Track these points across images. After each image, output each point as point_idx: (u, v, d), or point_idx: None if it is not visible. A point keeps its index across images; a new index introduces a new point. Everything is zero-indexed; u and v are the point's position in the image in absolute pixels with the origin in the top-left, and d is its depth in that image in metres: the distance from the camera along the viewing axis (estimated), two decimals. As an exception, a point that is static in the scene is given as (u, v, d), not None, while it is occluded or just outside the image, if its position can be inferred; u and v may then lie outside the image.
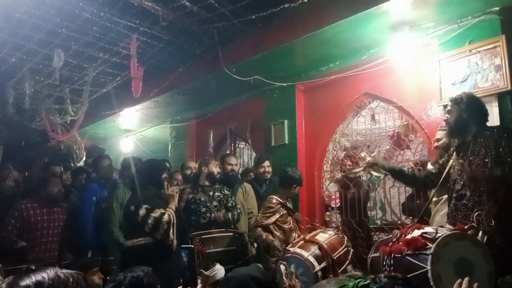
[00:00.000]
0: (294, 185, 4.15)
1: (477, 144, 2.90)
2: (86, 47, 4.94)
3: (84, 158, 7.19)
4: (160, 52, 5.21)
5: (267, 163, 4.82)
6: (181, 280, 1.52)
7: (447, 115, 3.13)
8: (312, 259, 3.14)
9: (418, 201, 4.12)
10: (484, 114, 3.02)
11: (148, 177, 3.84)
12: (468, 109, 2.99)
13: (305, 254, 3.20)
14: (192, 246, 1.57)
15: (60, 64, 4.71)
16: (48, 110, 6.26)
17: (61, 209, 4.40)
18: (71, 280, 1.19)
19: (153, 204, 3.64)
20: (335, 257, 3.25)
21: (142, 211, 3.59)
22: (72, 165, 6.41)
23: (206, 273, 1.51)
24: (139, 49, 4.95)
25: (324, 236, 3.47)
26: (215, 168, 4.32)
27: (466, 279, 1.29)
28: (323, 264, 3.21)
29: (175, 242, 3.64)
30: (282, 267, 2.68)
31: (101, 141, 8.38)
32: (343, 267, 3.30)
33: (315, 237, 3.45)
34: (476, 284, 1.24)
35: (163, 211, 3.61)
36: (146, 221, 3.56)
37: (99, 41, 4.81)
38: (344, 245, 3.46)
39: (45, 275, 1.16)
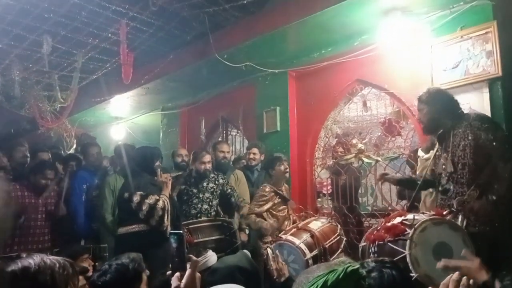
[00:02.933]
0: (275, 164, 4.11)
1: (456, 136, 2.92)
2: (75, 32, 4.87)
3: (74, 146, 7.14)
4: (150, 38, 5.15)
5: (254, 150, 4.84)
6: (170, 265, 1.51)
7: (419, 113, 3.15)
8: (303, 247, 3.17)
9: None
10: (455, 105, 3.03)
11: (142, 164, 3.84)
12: (436, 106, 3.01)
13: (296, 241, 3.23)
14: (181, 232, 1.56)
15: (49, 50, 4.63)
16: (37, 97, 6.18)
17: (53, 194, 4.32)
18: (57, 265, 1.20)
19: (147, 190, 3.64)
20: (327, 245, 3.28)
21: (136, 198, 3.59)
22: (62, 152, 6.33)
23: (195, 258, 1.50)
24: (129, 35, 4.88)
25: (317, 224, 3.50)
26: (202, 166, 4.27)
27: (455, 275, 1.26)
28: (314, 252, 3.24)
29: (169, 228, 3.64)
30: (269, 251, 2.71)
31: (91, 129, 8.32)
32: (335, 255, 3.33)
33: (308, 225, 3.48)
34: (464, 281, 1.23)
35: (158, 197, 3.62)
36: (140, 207, 3.56)
37: (88, 26, 4.74)
38: (337, 233, 3.49)
39: (31, 261, 1.17)
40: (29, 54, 5.21)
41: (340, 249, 3.42)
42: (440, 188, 3.00)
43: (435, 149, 3.19)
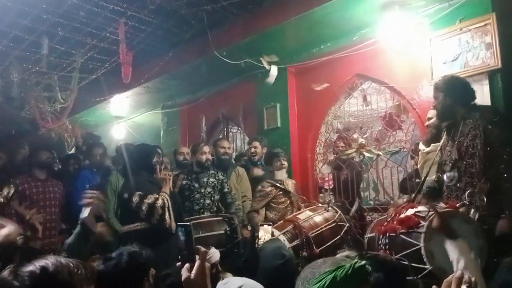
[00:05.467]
0: (273, 160, 4.25)
1: (466, 125, 2.92)
2: (73, 32, 4.86)
3: (75, 146, 7.16)
4: (149, 36, 5.15)
5: (255, 143, 4.86)
6: (179, 257, 1.52)
7: (435, 100, 3.15)
8: (282, 238, 3.22)
9: (417, 180, 4.17)
10: (470, 95, 3.04)
11: (139, 162, 3.85)
12: (451, 93, 3.02)
13: (276, 233, 3.29)
14: (189, 224, 1.57)
15: (46, 51, 4.63)
16: (37, 98, 6.19)
17: (55, 183, 4.44)
18: (71, 265, 1.22)
19: (146, 190, 3.65)
20: (312, 235, 3.29)
21: (135, 198, 3.61)
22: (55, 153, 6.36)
23: (203, 249, 1.52)
24: (128, 34, 4.89)
25: (308, 214, 3.52)
26: (203, 156, 4.30)
27: (458, 273, 1.28)
28: (295, 242, 3.29)
29: (173, 224, 3.64)
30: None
31: (92, 129, 8.33)
32: (329, 243, 3.35)
33: (297, 216, 3.51)
34: (466, 278, 1.25)
35: (157, 196, 3.63)
36: (140, 207, 3.58)
37: (86, 26, 4.74)
38: (332, 220, 3.48)
39: (47, 261, 1.19)
40: (28, 55, 5.21)
41: (339, 236, 3.41)
42: (445, 176, 3.00)
43: (442, 141, 3.19)
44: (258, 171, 4.61)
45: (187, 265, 1.46)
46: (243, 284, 1.69)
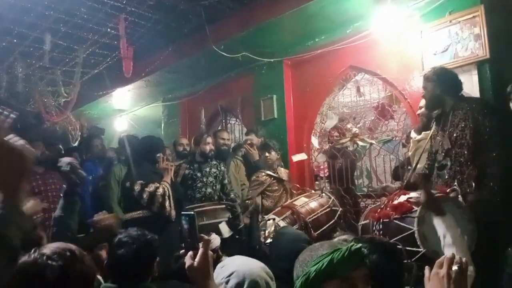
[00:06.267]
0: (265, 151, 4.44)
1: (456, 116, 3.02)
2: (75, 28, 4.99)
3: (79, 139, 7.31)
4: (149, 31, 5.26)
5: (251, 135, 5.05)
6: (183, 245, 1.56)
7: (424, 91, 3.26)
8: (282, 223, 3.33)
9: (409, 167, 4.29)
10: (458, 85, 3.14)
11: (144, 153, 3.91)
12: (440, 84, 3.11)
13: (275, 218, 3.40)
14: (193, 213, 1.61)
15: (50, 46, 4.76)
16: (41, 93, 6.33)
17: (54, 175, 4.30)
18: (76, 252, 1.26)
19: (147, 179, 3.74)
20: (309, 219, 3.41)
21: (137, 187, 3.69)
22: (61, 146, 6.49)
23: (207, 237, 1.59)
24: (128, 29, 5.00)
25: (303, 200, 3.65)
26: (207, 146, 4.44)
27: (449, 254, 1.30)
28: (294, 227, 3.38)
29: (173, 212, 3.74)
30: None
31: (95, 122, 8.47)
32: (325, 227, 3.49)
33: (293, 202, 3.63)
34: (457, 259, 1.27)
35: (158, 185, 3.70)
36: (141, 196, 3.67)
37: (88, 22, 4.86)
38: (326, 206, 3.60)
39: (69, 246, 1.24)
40: (32, 51, 5.35)
41: (333, 220, 3.53)
42: (436, 164, 3.12)
43: (431, 131, 3.31)
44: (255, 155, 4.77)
45: (190, 252, 1.48)
46: (234, 271, 1.69)
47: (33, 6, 4.38)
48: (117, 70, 5.69)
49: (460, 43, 3.87)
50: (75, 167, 2.15)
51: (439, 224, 1.93)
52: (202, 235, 1.57)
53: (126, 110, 8.11)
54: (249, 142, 4.92)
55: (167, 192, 3.74)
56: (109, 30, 5.06)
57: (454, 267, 1.23)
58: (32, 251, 1.19)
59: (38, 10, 4.46)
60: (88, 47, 5.41)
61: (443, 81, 3.13)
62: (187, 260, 1.48)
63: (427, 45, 4.05)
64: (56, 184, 4.26)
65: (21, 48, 5.26)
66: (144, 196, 3.66)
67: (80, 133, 7.50)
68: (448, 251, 1.85)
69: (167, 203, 3.71)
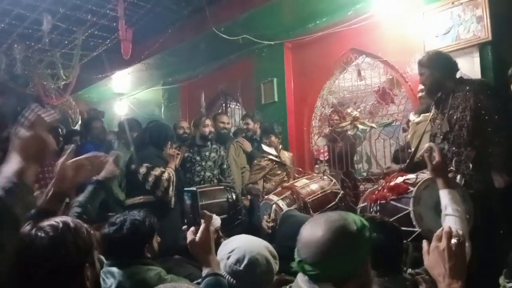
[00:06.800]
0: (264, 136, 4.43)
1: (456, 98, 3.01)
2: (74, 10, 4.95)
3: (79, 122, 7.32)
4: (148, 13, 5.22)
5: (247, 120, 5.04)
6: (185, 221, 1.58)
7: (421, 77, 3.24)
8: (281, 203, 3.33)
9: (409, 151, 4.30)
10: (454, 67, 3.11)
11: (155, 140, 3.82)
12: (438, 68, 3.08)
13: (275, 198, 3.40)
14: (195, 189, 1.61)
15: (49, 28, 4.72)
16: (41, 76, 6.31)
17: (54, 162, 4.36)
18: (86, 225, 1.28)
19: (153, 163, 3.67)
20: (309, 200, 3.42)
21: (142, 170, 3.65)
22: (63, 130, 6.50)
23: (208, 213, 1.60)
24: (127, 11, 4.96)
25: (304, 181, 3.65)
26: (206, 128, 4.43)
27: (447, 227, 1.28)
28: (293, 207, 3.41)
29: (173, 199, 3.74)
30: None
31: (95, 105, 8.47)
32: (325, 209, 3.49)
33: (294, 183, 3.64)
34: (455, 232, 1.26)
35: (163, 169, 3.65)
36: (147, 179, 3.62)
37: (86, 3, 4.82)
38: (327, 188, 3.61)
39: (65, 218, 1.24)
40: (30, 32, 5.32)
41: (333, 203, 3.53)
42: None
43: (431, 113, 3.30)
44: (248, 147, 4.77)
45: (192, 228, 1.51)
46: (235, 247, 1.69)
47: (31, -14, 4.34)
48: (116, 52, 5.66)
49: (462, 25, 3.84)
50: (118, 162, 2.19)
51: (443, 195, 1.92)
52: (205, 211, 1.59)
53: (126, 94, 8.09)
54: (245, 127, 4.91)
55: (172, 178, 3.71)
56: (108, 11, 5.02)
57: (454, 240, 1.23)
58: (28, 222, 1.21)
59: (36, -9, 4.42)
60: (87, 29, 5.37)
61: (439, 65, 3.10)
62: (189, 236, 1.50)
63: (429, 27, 4.02)
64: (53, 166, 4.24)
65: (19, 30, 5.23)
66: (150, 179, 3.60)
67: (80, 117, 7.49)
68: (448, 222, 1.86)
69: (170, 189, 3.68)
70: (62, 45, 5.77)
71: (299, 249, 1.28)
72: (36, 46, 5.63)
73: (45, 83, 6.44)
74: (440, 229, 1.29)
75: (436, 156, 1.99)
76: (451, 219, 1.84)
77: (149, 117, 6.96)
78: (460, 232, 1.28)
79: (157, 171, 3.62)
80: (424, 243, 1.28)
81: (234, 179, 4.54)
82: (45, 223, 1.19)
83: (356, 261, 1.24)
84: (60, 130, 5.12)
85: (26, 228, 1.18)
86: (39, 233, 1.16)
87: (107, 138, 5.38)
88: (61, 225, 1.19)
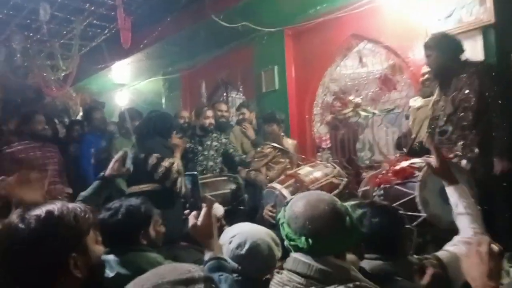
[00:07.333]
0: (264, 125, 4.39)
1: (460, 80, 2.99)
2: (71, -1, 4.91)
3: (80, 113, 7.30)
4: (147, 1, 5.17)
5: (242, 109, 5.01)
6: (186, 205, 1.58)
7: (427, 58, 3.20)
8: (285, 191, 3.26)
9: (412, 137, 4.27)
10: (460, 49, 3.09)
11: (159, 129, 3.77)
12: (444, 49, 3.06)
13: (278, 186, 3.34)
14: (195, 173, 1.61)
15: (47, 17, 4.68)
16: (40, 67, 6.29)
17: (53, 148, 4.30)
18: (78, 210, 1.24)
19: (161, 153, 3.61)
20: (313, 188, 3.39)
21: (152, 160, 3.62)
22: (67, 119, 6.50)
23: (210, 197, 1.59)
24: (125, -1, 4.92)
25: (308, 169, 3.62)
26: (206, 120, 4.40)
27: (487, 240, 1.32)
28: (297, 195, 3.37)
29: (183, 189, 3.75)
30: None
31: (96, 96, 8.45)
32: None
33: (298, 171, 3.61)
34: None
35: (172, 160, 3.58)
36: (156, 169, 3.58)
37: (84, -8, 4.78)
38: (331, 175, 3.58)
39: (54, 205, 1.21)
40: (29, 23, 5.28)
41: (337, 190, 3.50)
42: (438, 130, 3.09)
43: (434, 96, 3.26)
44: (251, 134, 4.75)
45: (194, 212, 1.50)
46: (237, 233, 1.71)
47: (27, -25, 4.30)
48: (115, 42, 5.62)
49: (464, 8, 3.78)
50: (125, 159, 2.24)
51: (451, 193, 1.91)
52: (206, 194, 1.58)
53: (127, 85, 8.05)
54: (241, 117, 4.87)
55: (180, 169, 3.68)
56: (106, 0, 4.96)
57: (493, 245, 1.29)
58: (18, 209, 1.20)
59: (33, -21, 4.37)
60: (85, 19, 5.33)
61: (446, 47, 3.08)
62: (191, 220, 1.49)
63: (431, 10, 3.96)
64: (54, 157, 4.26)
65: (17, 20, 5.19)
66: (159, 170, 3.58)
67: (80, 108, 7.48)
68: (461, 221, 1.85)
69: (179, 180, 3.66)
70: (60, 35, 5.74)
71: (299, 224, 1.31)
72: (35, 37, 5.60)
73: (45, 74, 6.42)
74: (478, 237, 1.42)
75: (436, 161, 2.00)
76: (465, 218, 1.83)
77: (150, 107, 6.93)
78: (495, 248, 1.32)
79: (166, 162, 3.57)
80: (461, 245, 1.45)
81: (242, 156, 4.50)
82: (31, 212, 1.17)
83: (355, 236, 1.36)
84: (58, 121, 5.12)
85: (13, 217, 1.17)
86: (20, 225, 1.15)
87: (108, 128, 5.36)
88: (43, 214, 1.17)
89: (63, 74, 6.38)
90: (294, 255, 1.34)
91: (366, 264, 1.68)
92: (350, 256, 1.50)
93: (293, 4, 4.88)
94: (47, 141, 4.28)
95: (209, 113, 4.46)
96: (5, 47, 5.72)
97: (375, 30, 4.52)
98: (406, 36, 4.25)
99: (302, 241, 1.28)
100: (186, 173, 1.64)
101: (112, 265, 1.88)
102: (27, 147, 4.08)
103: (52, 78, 6.53)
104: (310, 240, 1.27)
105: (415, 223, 2.38)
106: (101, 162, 4.72)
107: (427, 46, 3.17)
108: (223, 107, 4.87)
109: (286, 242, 1.38)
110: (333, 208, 1.33)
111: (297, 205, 1.36)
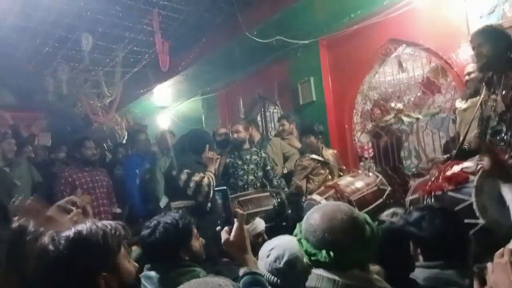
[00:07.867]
0: (303, 137, 4.38)
1: (509, 77, 2.81)
2: (112, 28, 5.15)
3: (126, 137, 7.57)
4: (182, 25, 5.34)
5: (282, 121, 5.02)
6: (218, 221, 1.56)
7: (476, 50, 3.03)
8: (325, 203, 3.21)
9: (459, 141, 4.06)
10: (510, 45, 2.91)
11: (194, 146, 3.86)
12: (494, 42, 2.90)
13: (318, 198, 3.28)
14: (225, 188, 1.60)
15: (89, 47, 4.93)
16: (87, 95, 6.61)
17: (100, 172, 4.53)
18: (109, 228, 1.24)
19: (193, 168, 3.70)
20: (354, 198, 3.28)
21: (183, 176, 3.69)
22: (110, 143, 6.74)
23: (241, 212, 1.57)
24: (162, 24, 5.09)
25: (348, 180, 3.51)
26: (234, 135, 4.43)
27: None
28: None
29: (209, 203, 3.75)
30: None
31: (139, 120, 8.76)
32: (371, 206, 3.33)
33: (337, 182, 3.51)
34: None
35: (203, 174, 3.66)
36: (188, 184, 3.65)
37: (123, 20, 4.99)
38: (373, 184, 3.45)
39: (83, 225, 1.23)
40: (73, 54, 5.58)
41: (381, 200, 3.36)
42: (489, 131, 2.91)
43: (481, 96, 3.09)
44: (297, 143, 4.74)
45: (226, 228, 1.49)
46: (276, 245, 1.71)
47: (69, 7, 4.54)
48: (155, 67, 5.83)
49: (507, 2, 3.64)
50: None
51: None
52: (237, 209, 1.56)
53: (168, 107, 8.30)
54: (281, 128, 4.87)
55: (211, 182, 3.71)
56: (144, 26, 5.17)
57: None
58: (50, 231, 1.22)
59: (75, 12, 4.62)
60: (125, 46, 5.56)
61: (497, 40, 2.90)
62: (223, 235, 1.49)
63: (472, 7, 3.80)
64: (103, 181, 4.47)
65: (63, 51, 5.50)
66: (191, 185, 3.64)
67: (126, 132, 7.76)
68: None
69: (211, 193, 3.69)
70: (103, 63, 6.01)
71: (318, 237, 1.25)
72: (80, 67, 5.90)
73: (91, 101, 6.74)
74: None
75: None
76: None
77: (191, 127, 7.07)
78: None
79: (197, 177, 3.63)
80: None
81: (281, 181, 4.46)
82: (62, 234, 1.20)
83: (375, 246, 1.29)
84: (105, 145, 5.32)
85: (45, 239, 1.19)
86: (50, 246, 1.17)
87: (151, 150, 5.52)
88: (72, 235, 1.18)
89: (108, 101, 6.66)
90: (316, 271, 1.27)
91: (420, 272, 1.58)
92: (374, 268, 1.41)
93: (327, 14, 4.85)
94: (95, 165, 4.48)
95: (238, 127, 4.48)
96: (53, 78, 6.06)
97: (414, 33, 4.38)
98: (447, 36, 4.08)
99: (323, 255, 1.21)
100: (216, 188, 1.63)
101: (154, 282, 1.88)
102: (77, 172, 4.31)
103: (99, 105, 6.85)
104: (331, 253, 1.20)
105: (472, 230, 2.22)
106: (145, 182, 4.86)
107: (476, 38, 2.98)
108: (238, 128, 4.77)
109: (305, 259, 1.31)
110: (351, 217, 1.27)
111: (314, 218, 1.30)
